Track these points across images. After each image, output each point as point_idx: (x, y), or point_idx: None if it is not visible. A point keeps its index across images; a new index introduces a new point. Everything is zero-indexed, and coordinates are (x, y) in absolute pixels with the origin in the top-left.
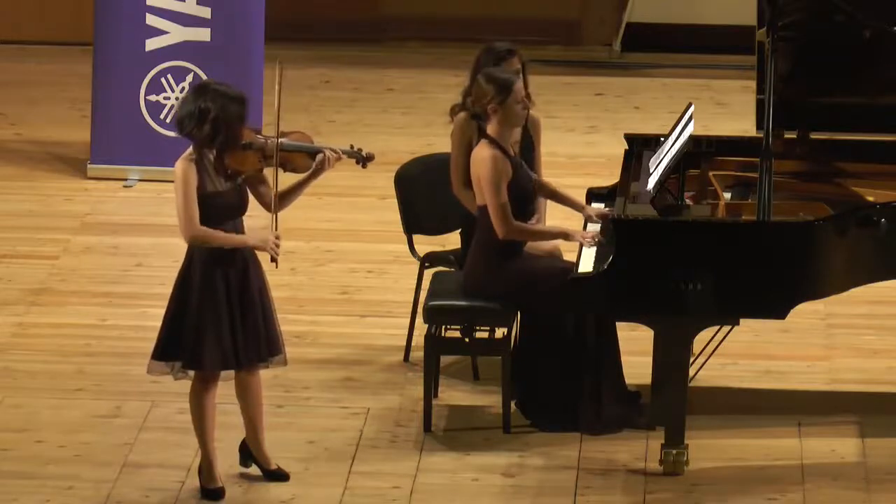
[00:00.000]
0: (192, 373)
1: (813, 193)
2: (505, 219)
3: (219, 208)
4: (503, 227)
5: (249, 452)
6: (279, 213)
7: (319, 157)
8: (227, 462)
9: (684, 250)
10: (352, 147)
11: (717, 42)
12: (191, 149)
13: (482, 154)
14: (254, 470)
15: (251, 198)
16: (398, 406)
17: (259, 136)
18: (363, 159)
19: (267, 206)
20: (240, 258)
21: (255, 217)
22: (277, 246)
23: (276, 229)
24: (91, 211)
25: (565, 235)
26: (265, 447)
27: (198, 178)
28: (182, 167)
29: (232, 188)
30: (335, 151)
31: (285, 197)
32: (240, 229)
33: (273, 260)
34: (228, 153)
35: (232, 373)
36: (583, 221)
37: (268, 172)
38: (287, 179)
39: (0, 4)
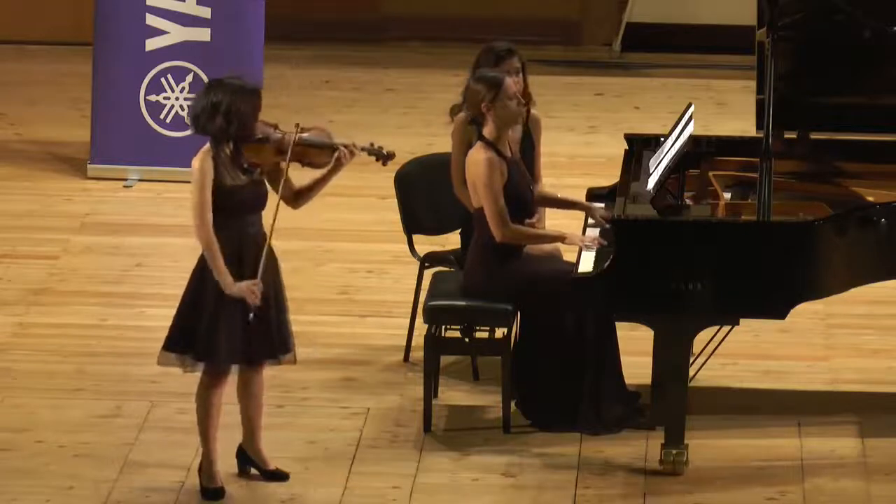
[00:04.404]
0: (201, 368)
1: (813, 193)
2: (503, 223)
3: (237, 203)
4: (501, 231)
5: (247, 457)
6: (296, 210)
7: (336, 153)
8: (226, 462)
9: (684, 250)
10: (372, 145)
11: (717, 42)
12: (208, 144)
13: (476, 157)
14: (253, 470)
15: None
16: (398, 406)
17: (277, 130)
18: (384, 157)
19: (285, 201)
20: (253, 253)
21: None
22: (255, 296)
23: (274, 224)
24: (91, 211)
25: (564, 238)
26: (262, 448)
27: (215, 172)
28: (199, 163)
29: (250, 182)
30: (352, 147)
31: (304, 193)
32: (258, 223)
33: (249, 313)
34: (245, 146)
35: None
36: (583, 222)
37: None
38: (304, 176)
39: (0, 4)
